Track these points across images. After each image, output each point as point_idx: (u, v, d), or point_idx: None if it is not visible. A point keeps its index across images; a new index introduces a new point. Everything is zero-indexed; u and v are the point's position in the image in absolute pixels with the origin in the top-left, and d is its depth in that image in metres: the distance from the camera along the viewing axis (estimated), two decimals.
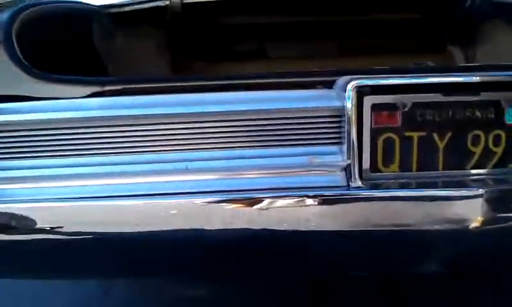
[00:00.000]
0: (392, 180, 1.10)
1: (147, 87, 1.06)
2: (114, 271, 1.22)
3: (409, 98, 1.08)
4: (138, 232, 1.05)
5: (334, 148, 1.07)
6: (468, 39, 2.27)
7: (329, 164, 1.07)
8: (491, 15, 2.19)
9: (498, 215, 1.11)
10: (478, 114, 1.11)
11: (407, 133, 1.10)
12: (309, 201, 1.04)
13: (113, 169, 1.05)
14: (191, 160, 1.06)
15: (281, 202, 1.04)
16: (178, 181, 1.07)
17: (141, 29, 1.74)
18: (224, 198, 1.07)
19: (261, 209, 1.05)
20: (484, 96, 1.10)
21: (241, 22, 2.28)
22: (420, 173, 1.10)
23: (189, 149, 1.07)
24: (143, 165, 1.05)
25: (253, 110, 1.06)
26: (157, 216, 1.05)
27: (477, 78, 1.07)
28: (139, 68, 1.61)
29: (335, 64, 2.36)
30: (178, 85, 1.08)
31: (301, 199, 1.04)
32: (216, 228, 1.07)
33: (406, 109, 1.09)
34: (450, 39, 2.29)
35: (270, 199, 1.04)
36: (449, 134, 1.10)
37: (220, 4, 2.16)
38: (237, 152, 1.06)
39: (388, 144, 1.10)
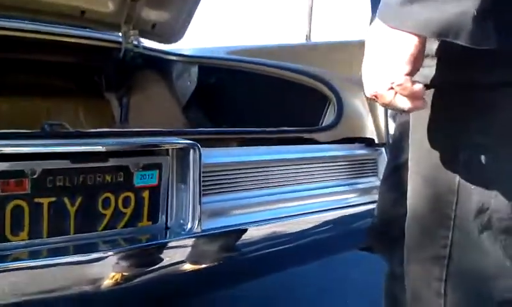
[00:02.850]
0: (21, 249, 1.07)
1: None
2: None
3: (38, 165, 1.07)
4: None
5: None
6: (123, 86, 2.42)
7: None
8: (142, 65, 2.38)
9: (130, 272, 1.20)
10: (108, 178, 1.17)
11: (37, 200, 1.08)
12: None
13: None
14: None
15: None
16: None
17: None
18: None
19: None
20: (113, 162, 1.17)
21: None
22: (51, 239, 1.10)
23: None
24: None
25: None
26: None
27: (104, 147, 1.13)
28: None
29: None
30: None
31: None
32: None
33: (36, 176, 1.08)
34: (107, 86, 2.39)
35: None
36: (80, 199, 1.14)
37: None
38: None
39: (17, 212, 1.06)
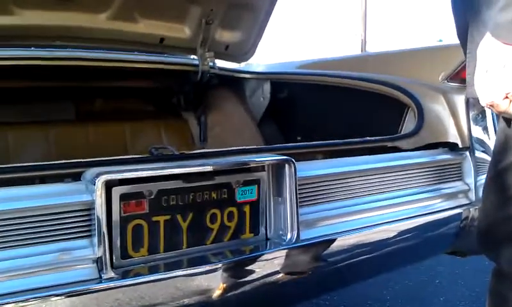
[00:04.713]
0: (142, 265, 1.16)
1: None
2: None
3: (154, 187, 1.17)
4: None
5: (84, 242, 1.08)
6: (200, 106, 2.53)
7: (80, 258, 1.07)
8: (218, 85, 2.49)
9: (237, 281, 1.27)
10: (214, 195, 1.26)
11: (154, 218, 1.18)
12: (61, 300, 1.02)
13: None
14: None
15: (31, 304, 1.00)
16: None
17: None
18: None
19: None
20: (218, 180, 1.26)
21: None
22: (166, 253, 1.20)
23: None
24: None
25: None
26: None
27: (211, 167, 1.22)
28: None
29: (73, 130, 2.35)
30: None
31: (53, 298, 1.02)
32: None
33: (152, 197, 1.17)
34: (185, 106, 2.51)
35: (19, 303, 0.99)
36: (191, 215, 1.23)
37: None
38: None
39: (137, 230, 1.16)
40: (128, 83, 2.46)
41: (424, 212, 1.62)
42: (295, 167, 1.32)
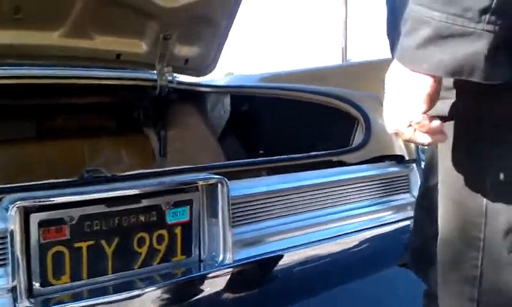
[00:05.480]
0: (64, 292, 1.14)
1: None
2: None
3: (75, 212, 1.15)
4: None
5: (0, 271, 1.06)
6: (160, 121, 2.51)
7: None
8: (177, 100, 2.47)
9: (167, 305, 1.25)
10: (142, 218, 1.24)
11: (76, 245, 1.16)
12: None
13: None
14: None
15: None
16: None
17: None
18: None
19: None
20: (146, 202, 1.24)
21: None
22: (91, 280, 1.17)
23: None
24: None
25: None
26: None
27: (137, 190, 1.20)
28: None
29: (33, 149, 2.32)
30: None
31: None
32: None
33: (74, 222, 1.15)
34: (145, 122, 2.49)
35: None
36: (116, 240, 1.20)
37: None
38: None
39: (58, 257, 1.14)
40: (88, 99, 2.44)
41: (371, 225, 1.61)
42: (228, 187, 1.30)
